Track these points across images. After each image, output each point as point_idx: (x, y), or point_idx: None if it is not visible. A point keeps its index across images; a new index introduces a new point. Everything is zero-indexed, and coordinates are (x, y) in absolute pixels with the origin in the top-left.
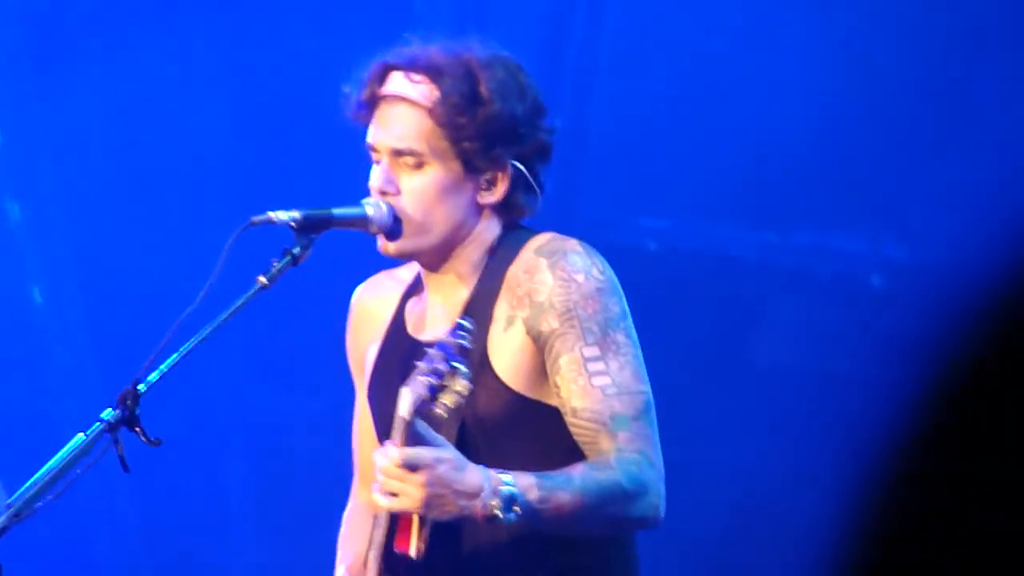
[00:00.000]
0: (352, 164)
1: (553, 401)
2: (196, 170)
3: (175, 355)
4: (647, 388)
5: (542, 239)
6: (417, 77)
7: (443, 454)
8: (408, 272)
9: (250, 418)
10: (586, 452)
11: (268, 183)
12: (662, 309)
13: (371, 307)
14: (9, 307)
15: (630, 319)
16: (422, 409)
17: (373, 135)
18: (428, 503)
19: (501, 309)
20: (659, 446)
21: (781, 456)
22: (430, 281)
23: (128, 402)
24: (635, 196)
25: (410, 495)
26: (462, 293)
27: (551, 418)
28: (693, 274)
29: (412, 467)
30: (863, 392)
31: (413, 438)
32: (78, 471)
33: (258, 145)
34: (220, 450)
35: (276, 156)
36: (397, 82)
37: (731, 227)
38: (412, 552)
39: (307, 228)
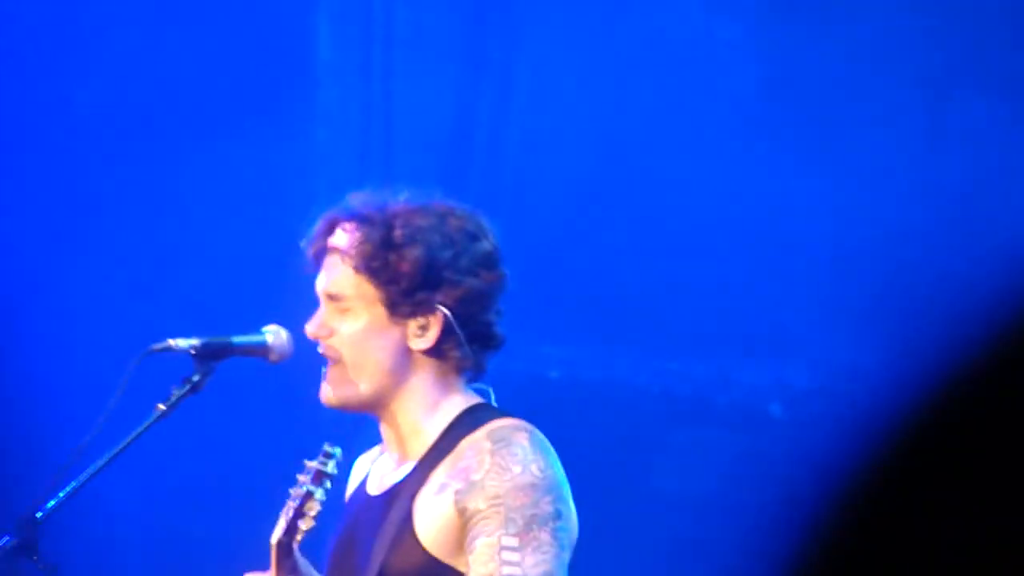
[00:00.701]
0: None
1: (464, 570)
2: (98, 294)
3: (74, 483)
4: None
5: (499, 423)
6: (347, 226)
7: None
8: None
9: (155, 542)
10: None
11: (173, 309)
12: (564, 437)
13: (357, 472)
14: None
15: (565, 522)
16: (289, 534)
17: (317, 282)
18: None
19: (439, 475)
20: None
21: None
22: (384, 434)
23: (26, 529)
24: (536, 323)
25: None
26: (413, 452)
27: None
28: (594, 402)
29: None
30: (767, 520)
31: (282, 566)
32: None
33: (165, 270)
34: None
35: (181, 282)
36: (336, 234)
37: (632, 355)
38: None
39: (207, 355)
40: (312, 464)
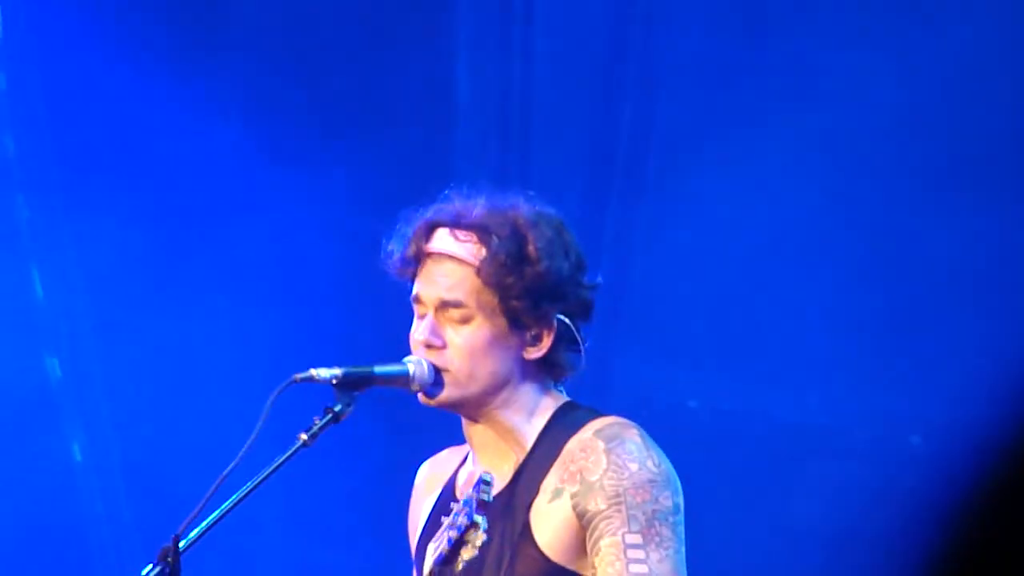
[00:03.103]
0: (388, 322)
1: (587, 574)
2: (238, 327)
3: (217, 512)
4: None
5: (604, 422)
6: (463, 236)
7: None
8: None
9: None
10: None
11: (310, 341)
12: (700, 467)
13: (432, 478)
14: (51, 465)
15: (681, 516)
16: (446, 564)
17: (419, 288)
18: None
19: (550, 481)
20: None
21: None
22: (475, 440)
23: (169, 558)
24: (674, 352)
25: None
26: (511, 457)
27: None
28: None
29: None
30: (900, 555)
31: None
32: None
33: (302, 303)
34: None
35: (317, 313)
36: (443, 239)
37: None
38: None
39: (348, 386)
40: (472, 495)
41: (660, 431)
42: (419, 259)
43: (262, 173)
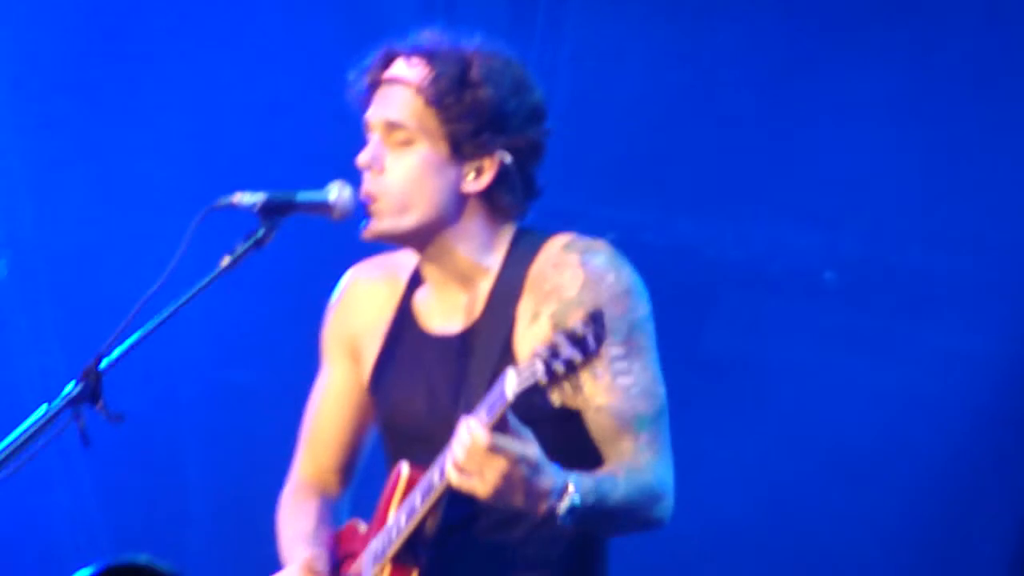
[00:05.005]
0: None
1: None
2: (164, 151)
3: (138, 332)
4: (664, 391)
5: (567, 238)
6: (414, 61)
7: (528, 453)
8: (408, 260)
9: (209, 395)
10: (603, 449)
11: (236, 166)
12: None
13: (368, 290)
14: None
15: (652, 323)
16: (528, 391)
17: (369, 112)
18: (497, 493)
19: (525, 306)
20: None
21: (726, 451)
22: (431, 274)
23: (91, 377)
24: (596, 186)
25: (484, 480)
26: (478, 288)
27: (569, 419)
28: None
29: (496, 454)
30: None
31: (503, 422)
32: (40, 444)
33: (229, 128)
34: (180, 427)
35: (247, 140)
36: (397, 66)
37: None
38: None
39: (271, 211)
40: (586, 332)
41: None
42: (375, 86)
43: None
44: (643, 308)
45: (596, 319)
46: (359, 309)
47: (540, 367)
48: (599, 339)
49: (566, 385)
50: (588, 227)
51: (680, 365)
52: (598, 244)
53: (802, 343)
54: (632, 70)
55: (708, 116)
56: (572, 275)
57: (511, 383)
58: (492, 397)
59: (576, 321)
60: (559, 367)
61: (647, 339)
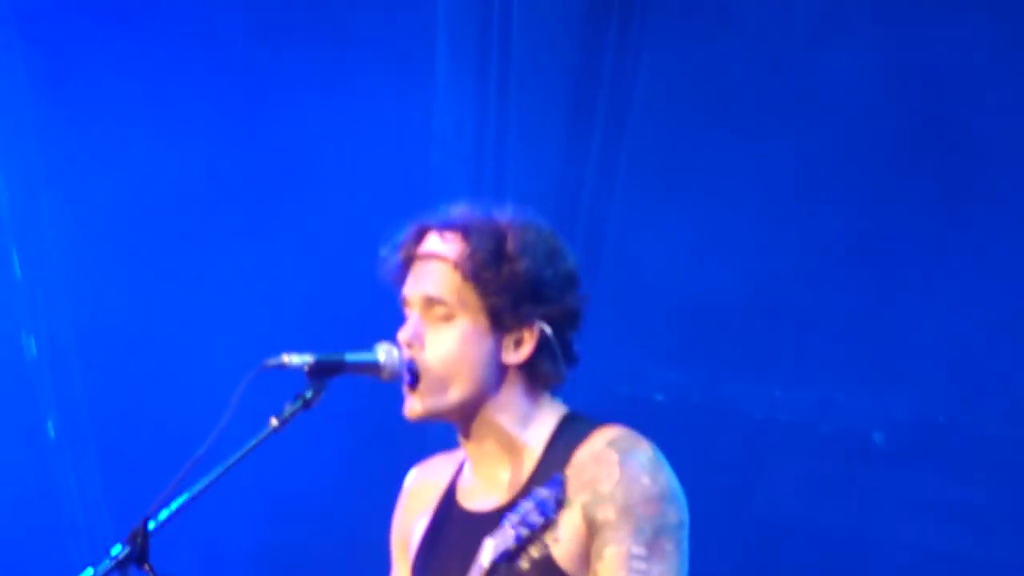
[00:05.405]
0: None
1: None
2: (210, 311)
3: (186, 494)
4: None
5: (615, 432)
6: (449, 236)
7: None
8: (462, 453)
9: (257, 555)
10: None
11: (283, 327)
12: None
13: (424, 485)
14: (24, 442)
15: (686, 532)
16: (506, 560)
17: (406, 288)
18: None
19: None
20: None
21: None
22: (472, 452)
23: (138, 539)
24: (644, 346)
25: None
26: (522, 465)
27: None
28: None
29: None
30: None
31: None
32: None
33: (276, 289)
34: None
35: (292, 301)
36: (431, 241)
37: (739, 381)
38: None
39: (319, 372)
40: (548, 494)
41: (626, 424)
42: (410, 262)
43: (237, 170)
44: (675, 515)
45: (554, 482)
46: (415, 507)
47: (511, 533)
48: (559, 503)
49: (547, 541)
50: (636, 387)
51: (729, 529)
52: (642, 445)
53: (853, 504)
54: (680, 231)
55: (755, 277)
56: (609, 472)
57: (487, 552)
58: (474, 570)
59: (543, 490)
60: (524, 532)
61: (674, 546)
